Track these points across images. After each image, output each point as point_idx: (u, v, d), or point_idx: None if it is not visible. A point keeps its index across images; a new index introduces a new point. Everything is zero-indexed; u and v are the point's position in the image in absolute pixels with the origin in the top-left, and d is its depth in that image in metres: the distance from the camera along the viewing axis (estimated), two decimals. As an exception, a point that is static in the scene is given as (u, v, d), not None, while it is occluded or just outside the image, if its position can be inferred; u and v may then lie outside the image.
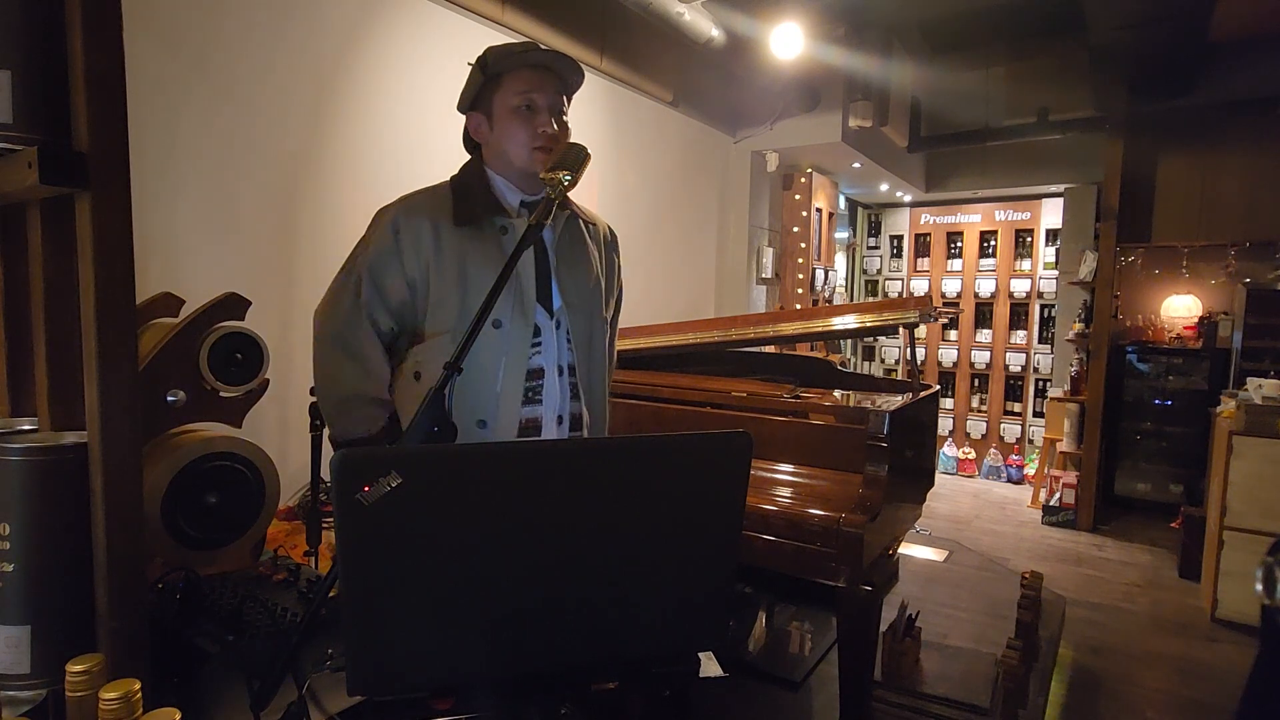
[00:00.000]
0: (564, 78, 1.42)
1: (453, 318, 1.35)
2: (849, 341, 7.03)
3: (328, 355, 1.41)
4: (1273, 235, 4.75)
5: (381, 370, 1.40)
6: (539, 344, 1.40)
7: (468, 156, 1.49)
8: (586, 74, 1.50)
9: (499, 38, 3.16)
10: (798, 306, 5.36)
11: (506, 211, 1.41)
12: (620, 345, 2.99)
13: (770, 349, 3.52)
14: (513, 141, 1.38)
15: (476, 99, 1.42)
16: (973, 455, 6.58)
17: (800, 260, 5.46)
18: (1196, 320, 5.12)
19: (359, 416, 1.39)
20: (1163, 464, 5.15)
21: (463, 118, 1.46)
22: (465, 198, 1.40)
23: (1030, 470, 6.04)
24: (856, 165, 5.51)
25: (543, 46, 1.40)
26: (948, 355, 6.88)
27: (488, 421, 1.34)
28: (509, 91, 1.37)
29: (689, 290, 4.89)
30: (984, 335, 6.74)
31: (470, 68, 1.42)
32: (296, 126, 2.45)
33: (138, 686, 0.78)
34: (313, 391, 1.69)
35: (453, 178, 1.46)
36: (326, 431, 1.55)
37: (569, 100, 1.45)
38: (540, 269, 1.41)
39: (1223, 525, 3.45)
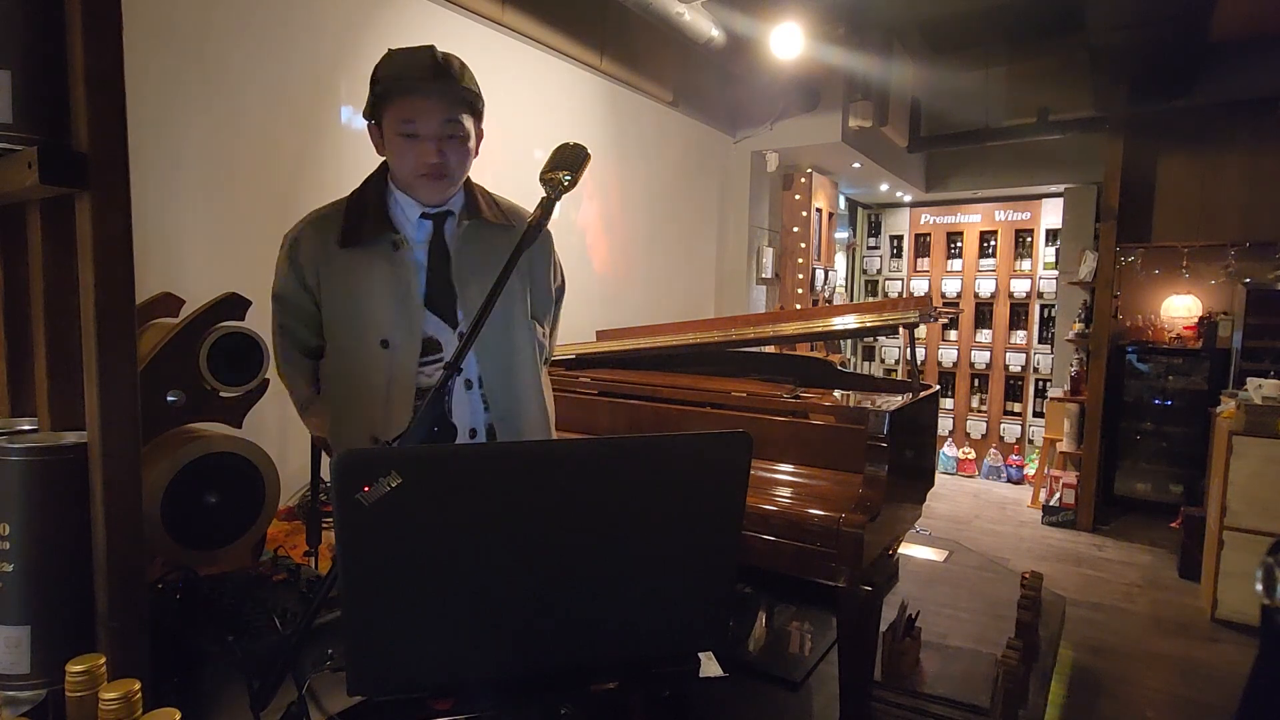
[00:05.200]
0: (452, 103, 1.33)
1: (343, 334, 1.39)
2: (849, 341, 7.03)
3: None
4: (1273, 235, 4.75)
5: (306, 392, 1.49)
6: (438, 359, 1.38)
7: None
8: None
9: (499, 38, 3.16)
10: (798, 306, 5.36)
11: (397, 227, 1.39)
12: (620, 345, 3.01)
13: (770, 349, 3.52)
14: (399, 164, 1.37)
15: (373, 109, 1.36)
16: (973, 455, 6.58)
17: (800, 260, 5.46)
18: (1196, 320, 5.12)
19: (312, 425, 1.52)
20: (1163, 464, 5.14)
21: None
22: (356, 217, 1.39)
23: (1030, 470, 6.04)
24: (856, 165, 5.51)
25: (439, 55, 1.31)
26: (948, 355, 6.88)
27: (380, 440, 1.35)
28: (394, 116, 1.32)
29: (689, 290, 4.88)
30: (984, 335, 6.74)
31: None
32: (296, 126, 2.45)
33: (138, 686, 0.77)
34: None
35: (353, 191, 1.44)
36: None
37: (475, 116, 1.39)
38: (440, 279, 1.39)
39: (1223, 525, 3.45)
